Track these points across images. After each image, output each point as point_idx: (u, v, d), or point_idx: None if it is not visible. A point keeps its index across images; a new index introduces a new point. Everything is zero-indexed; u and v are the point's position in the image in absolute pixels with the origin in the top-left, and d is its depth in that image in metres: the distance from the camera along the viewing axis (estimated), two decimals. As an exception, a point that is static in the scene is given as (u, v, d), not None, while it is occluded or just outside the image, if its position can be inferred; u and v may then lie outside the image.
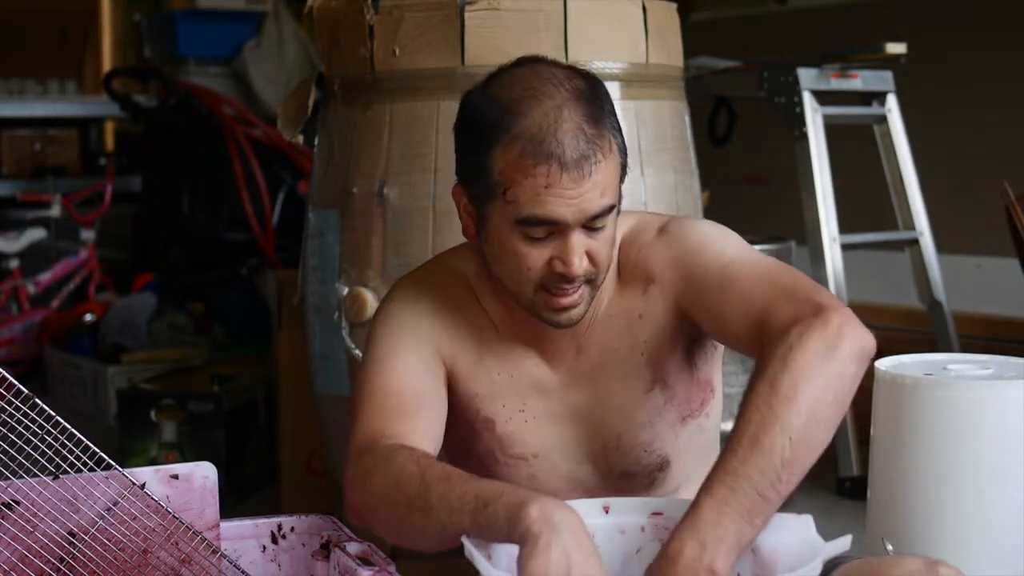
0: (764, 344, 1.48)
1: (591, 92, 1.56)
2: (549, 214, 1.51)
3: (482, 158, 1.55)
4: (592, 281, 1.59)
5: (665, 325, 1.67)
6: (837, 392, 1.44)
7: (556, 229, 1.53)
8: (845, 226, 3.39)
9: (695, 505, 1.39)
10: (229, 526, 1.68)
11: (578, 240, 1.54)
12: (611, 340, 1.68)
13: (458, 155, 1.62)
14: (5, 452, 1.52)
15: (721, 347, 1.74)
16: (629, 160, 1.62)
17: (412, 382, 1.63)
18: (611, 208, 1.55)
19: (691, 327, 1.67)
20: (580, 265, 1.54)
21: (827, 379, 1.43)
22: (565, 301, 1.57)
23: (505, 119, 1.52)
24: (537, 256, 1.55)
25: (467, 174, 1.60)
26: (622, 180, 1.59)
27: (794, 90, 3.41)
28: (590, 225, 1.54)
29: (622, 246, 1.68)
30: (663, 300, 1.66)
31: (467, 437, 1.73)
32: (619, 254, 1.68)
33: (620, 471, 1.73)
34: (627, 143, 1.61)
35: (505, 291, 1.65)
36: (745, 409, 1.43)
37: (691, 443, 1.76)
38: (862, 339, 1.47)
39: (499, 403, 1.69)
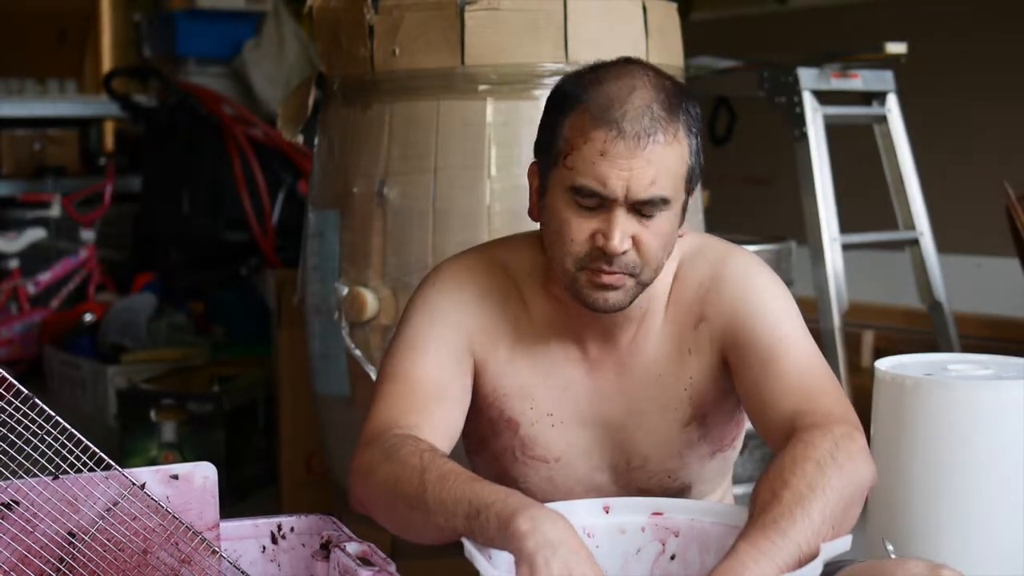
0: (803, 428, 1.50)
1: (674, 89, 1.57)
2: (599, 184, 1.51)
3: (554, 124, 1.57)
4: (637, 276, 1.57)
5: (712, 367, 1.67)
6: (858, 504, 1.47)
7: (604, 202, 1.53)
8: (845, 226, 3.38)
9: (735, 549, 1.37)
10: (229, 526, 1.68)
11: (624, 219, 1.53)
12: (659, 366, 1.67)
13: (539, 130, 1.63)
14: (5, 452, 1.52)
15: None
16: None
17: (436, 373, 1.63)
18: (663, 200, 1.53)
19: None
20: (622, 244, 1.53)
21: (858, 486, 1.47)
22: (605, 279, 1.55)
23: (583, 90, 1.55)
24: (582, 226, 1.54)
25: (540, 145, 1.62)
26: (689, 189, 1.59)
27: (794, 90, 3.40)
28: (639, 209, 1.53)
29: (680, 271, 1.68)
30: (711, 343, 1.66)
31: (487, 433, 1.72)
32: (676, 278, 1.68)
33: (638, 487, 1.72)
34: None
35: (553, 275, 1.64)
36: (792, 479, 1.42)
37: (714, 471, 1.77)
38: (875, 471, 1.52)
39: (527, 405, 1.68)
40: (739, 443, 1.80)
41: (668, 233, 1.57)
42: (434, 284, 1.71)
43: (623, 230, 1.52)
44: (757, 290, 1.65)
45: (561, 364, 1.68)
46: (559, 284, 1.64)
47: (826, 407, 1.54)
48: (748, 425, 1.74)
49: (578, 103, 1.54)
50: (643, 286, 1.59)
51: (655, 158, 1.51)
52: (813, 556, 1.37)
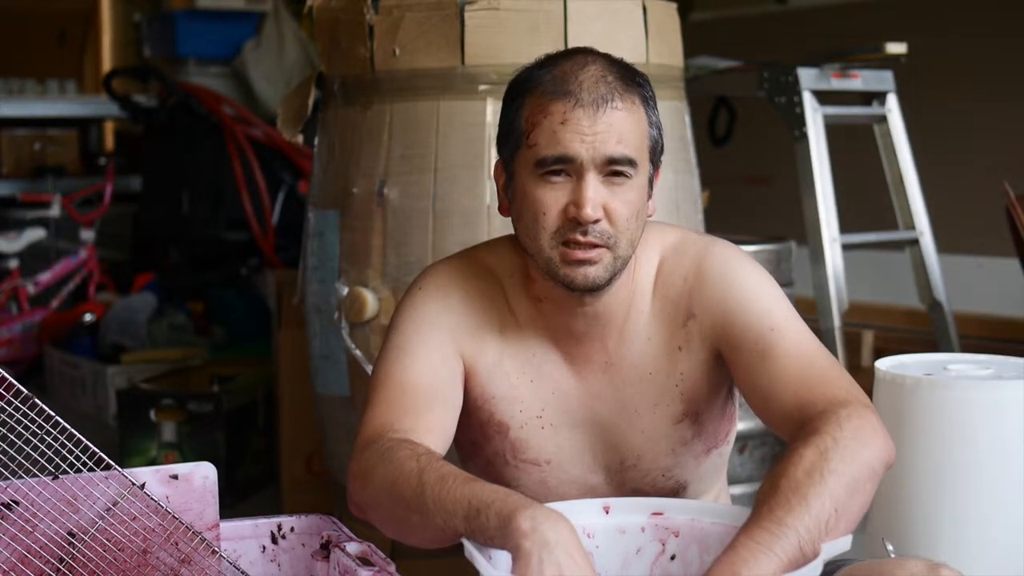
0: (808, 419, 1.50)
1: (627, 68, 1.61)
2: (564, 149, 1.53)
3: (513, 113, 1.60)
4: (611, 247, 1.57)
5: (704, 362, 1.67)
6: (869, 482, 1.46)
7: (572, 169, 1.54)
8: (845, 226, 3.38)
9: (733, 544, 1.37)
10: (229, 526, 1.68)
11: (594, 185, 1.54)
12: (647, 363, 1.67)
13: (499, 125, 1.65)
14: (5, 452, 1.52)
15: None
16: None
17: (427, 377, 1.63)
18: (630, 161, 1.55)
19: (726, 371, 1.67)
20: (595, 211, 1.54)
21: (867, 466, 1.46)
22: (581, 255, 1.56)
23: (538, 73, 1.59)
24: (553, 200, 1.56)
25: (502, 137, 1.64)
26: (653, 161, 1.61)
27: (794, 90, 3.40)
28: (607, 172, 1.54)
29: (663, 266, 1.68)
30: (702, 339, 1.66)
31: (479, 438, 1.72)
32: (659, 273, 1.68)
33: (632, 487, 1.72)
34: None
35: (533, 275, 1.64)
36: (791, 467, 1.42)
37: (710, 468, 1.77)
38: (891, 445, 1.51)
39: (516, 408, 1.68)
40: (732, 438, 1.79)
41: (637, 203, 1.58)
42: (420, 289, 1.71)
43: (594, 197, 1.54)
44: (742, 283, 1.65)
45: (548, 366, 1.68)
46: (539, 283, 1.65)
47: (828, 392, 1.53)
48: (745, 426, 1.74)
49: (533, 85, 1.58)
50: (620, 261, 1.59)
51: (616, 121, 1.54)
52: (816, 542, 1.37)
